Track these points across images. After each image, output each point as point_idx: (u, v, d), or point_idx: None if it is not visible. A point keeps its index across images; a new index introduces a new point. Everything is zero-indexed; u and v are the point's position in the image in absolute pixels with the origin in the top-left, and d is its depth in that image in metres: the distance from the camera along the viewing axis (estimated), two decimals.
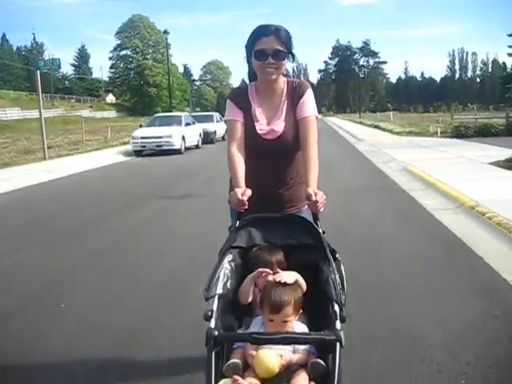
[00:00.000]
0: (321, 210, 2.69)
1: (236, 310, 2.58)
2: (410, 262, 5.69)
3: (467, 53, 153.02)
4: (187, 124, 24.99)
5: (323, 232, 2.70)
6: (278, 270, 2.57)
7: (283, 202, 3.08)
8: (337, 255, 2.58)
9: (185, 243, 6.95)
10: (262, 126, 2.99)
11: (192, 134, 25.22)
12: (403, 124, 39.29)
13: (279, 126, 2.98)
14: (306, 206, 3.05)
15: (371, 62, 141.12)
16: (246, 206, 2.68)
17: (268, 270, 2.51)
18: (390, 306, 4.46)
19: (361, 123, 53.00)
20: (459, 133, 25.16)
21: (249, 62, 3.05)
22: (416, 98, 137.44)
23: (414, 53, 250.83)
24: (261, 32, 2.94)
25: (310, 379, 2.18)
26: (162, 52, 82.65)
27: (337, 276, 2.46)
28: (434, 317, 4.20)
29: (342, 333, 2.17)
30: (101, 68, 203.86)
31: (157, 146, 22.72)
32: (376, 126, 40.98)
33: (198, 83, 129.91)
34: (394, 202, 9.53)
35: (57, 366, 3.72)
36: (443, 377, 3.33)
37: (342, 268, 2.54)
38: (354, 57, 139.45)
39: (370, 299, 4.56)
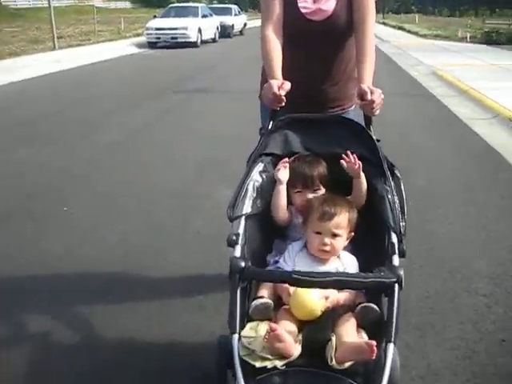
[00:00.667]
0: (376, 112, 2.17)
1: (266, 232, 2.12)
2: (446, 174, 5.20)
3: None
4: (204, 16, 23.76)
5: (378, 140, 2.18)
6: (320, 185, 2.09)
7: (327, 99, 2.52)
8: (396, 171, 2.08)
9: (201, 142, 6.49)
10: (306, 4, 2.38)
11: (209, 26, 24.04)
12: (429, 27, 37.26)
13: (329, 4, 2.37)
14: (354, 107, 2.52)
15: None
16: (283, 103, 2.15)
17: (286, 160, 2.11)
18: (425, 221, 4.02)
19: (384, 24, 50.54)
20: (490, 39, 23.71)
21: None
22: (441, 1, 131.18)
23: None
24: None
25: (359, 326, 1.75)
26: None
27: (395, 197, 1.97)
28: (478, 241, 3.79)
29: (402, 271, 1.71)
30: None
31: (172, 38, 21.70)
32: (400, 28, 39.01)
33: None
34: (424, 108, 8.89)
35: (53, 272, 3.37)
36: (491, 311, 2.93)
37: (402, 187, 2.04)
38: None
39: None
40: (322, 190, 2.12)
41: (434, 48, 21.14)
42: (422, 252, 3.52)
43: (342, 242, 1.93)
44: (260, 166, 2.15)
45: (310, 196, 2.09)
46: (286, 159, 2.10)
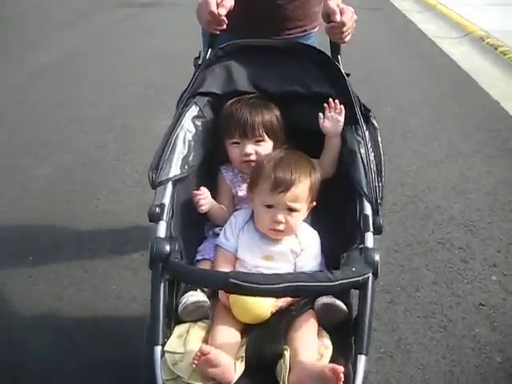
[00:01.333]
0: (347, 38, 1.65)
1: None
2: (415, 100, 4.73)
3: None
4: None
5: (347, 75, 1.67)
6: (265, 136, 1.60)
7: (283, 18, 1.95)
8: (372, 118, 1.59)
9: (147, 61, 5.80)
10: None
11: None
12: None
13: None
14: (318, 29, 1.99)
15: None
16: (224, 26, 1.61)
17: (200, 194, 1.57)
18: (392, 156, 3.59)
19: None
20: None
21: None
22: None
23: None
24: None
25: (320, 325, 1.33)
26: None
27: (370, 153, 1.51)
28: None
29: (378, 256, 1.28)
30: None
31: None
32: None
33: None
34: (388, 24, 8.25)
35: None
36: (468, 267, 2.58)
37: (379, 138, 1.56)
38: None
39: None
40: (269, 143, 1.64)
41: None
42: (390, 194, 3.09)
43: (300, 217, 1.47)
44: (193, 111, 1.63)
45: (250, 149, 1.61)
46: (204, 189, 1.57)
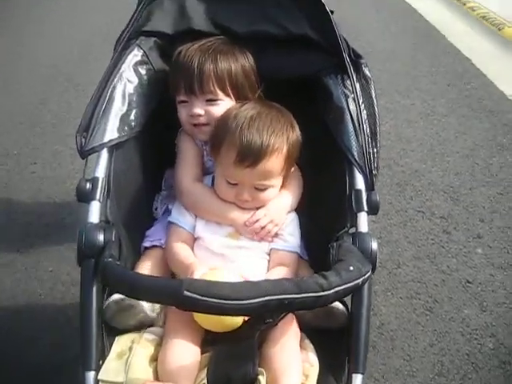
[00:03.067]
0: None
1: (148, 167, 1.30)
2: (385, 58, 4.41)
3: None
4: None
5: (331, 11, 1.33)
6: (219, 93, 1.27)
7: None
8: (363, 66, 1.26)
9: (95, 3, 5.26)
10: None
11: None
12: None
13: None
14: None
15: None
16: None
17: None
18: None
19: None
20: None
21: None
22: None
23: None
24: None
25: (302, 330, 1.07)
26: None
27: (362, 110, 1.19)
28: None
29: (375, 245, 0.98)
30: None
31: None
32: None
33: None
34: None
35: None
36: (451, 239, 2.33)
37: (373, 91, 1.24)
38: None
39: None
40: (226, 102, 1.29)
41: None
42: None
43: (272, 192, 1.16)
44: (136, 55, 1.28)
45: (198, 109, 1.27)
46: None
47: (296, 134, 1.19)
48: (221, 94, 1.28)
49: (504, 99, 3.74)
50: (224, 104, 1.28)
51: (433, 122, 3.32)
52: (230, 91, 1.29)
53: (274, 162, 1.12)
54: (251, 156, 1.10)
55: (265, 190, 1.15)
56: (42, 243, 2.21)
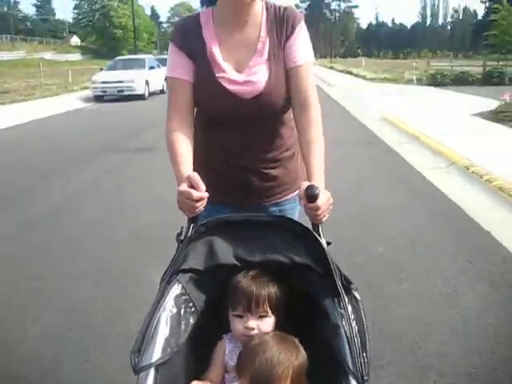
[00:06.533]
0: (323, 219, 1.68)
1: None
2: (406, 242, 4.74)
3: None
4: (151, 67, 23.47)
5: (328, 243, 1.69)
6: (269, 311, 1.60)
7: (273, 186, 2.03)
8: (353, 291, 1.58)
9: (137, 212, 5.86)
10: (229, 76, 1.86)
11: (156, 78, 23.58)
12: (376, 70, 38.05)
13: (259, 75, 1.86)
14: (297, 193, 2.05)
15: (342, 6, 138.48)
16: (203, 207, 1.67)
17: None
18: (378, 298, 3.53)
19: (332, 68, 51.59)
20: (436, 81, 24.24)
21: None
22: (386, 45, 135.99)
23: None
24: None
25: None
26: None
27: (353, 325, 1.48)
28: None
29: None
30: (65, 8, 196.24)
31: (118, 91, 21.22)
32: (348, 72, 39.72)
33: (165, 25, 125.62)
34: (377, 158, 8.53)
35: None
36: None
37: (362, 311, 1.54)
38: (326, 0, 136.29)
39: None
40: (271, 318, 1.61)
41: (382, 91, 21.28)
42: (388, 341, 3.02)
43: None
44: (176, 289, 1.62)
45: (253, 323, 1.58)
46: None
47: (300, 359, 1.47)
48: (269, 312, 1.59)
49: None
50: (270, 320, 1.60)
51: (454, 302, 3.52)
52: (274, 310, 1.60)
53: None
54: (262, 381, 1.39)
55: None
56: None
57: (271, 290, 1.62)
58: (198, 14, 1.96)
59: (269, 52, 1.88)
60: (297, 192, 2.06)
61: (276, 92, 1.86)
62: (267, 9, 1.93)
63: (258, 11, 1.91)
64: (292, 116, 1.96)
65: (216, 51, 1.88)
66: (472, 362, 2.86)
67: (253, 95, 1.85)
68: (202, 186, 1.63)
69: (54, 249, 4.78)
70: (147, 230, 5.12)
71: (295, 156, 2.07)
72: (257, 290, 1.61)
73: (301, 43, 1.90)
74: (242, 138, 1.92)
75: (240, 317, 1.62)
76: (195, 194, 1.62)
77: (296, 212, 2.11)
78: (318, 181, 1.74)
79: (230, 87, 1.85)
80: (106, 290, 3.88)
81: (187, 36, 1.91)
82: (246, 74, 1.87)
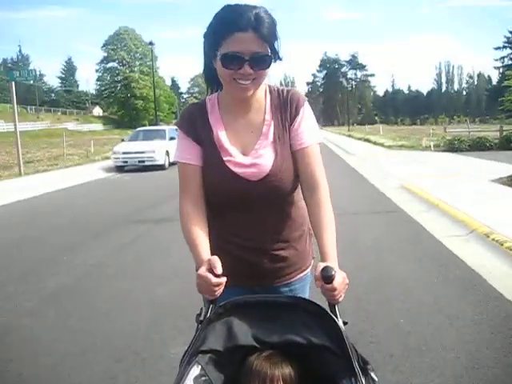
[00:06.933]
0: (340, 299, 1.71)
1: None
2: (428, 314, 4.68)
3: (453, 66, 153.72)
4: (171, 138, 23.93)
5: (345, 323, 1.72)
6: None
7: (283, 267, 2.07)
8: (369, 369, 1.59)
9: (160, 286, 5.84)
10: (235, 160, 1.95)
11: None
12: (394, 137, 38.54)
13: (265, 157, 1.94)
14: (310, 269, 2.11)
15: (359, 74, 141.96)
16: (221, 290, 1.72)
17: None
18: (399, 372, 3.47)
19: (350, 136, 52.27)
20: (453, 147, 24.40)
21: (206, 56, 1.98)
22: (403, 111, 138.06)
23: (402, 66, 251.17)
24: (233, 22, 1.80)
25: None
26: (149, 65, 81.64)
27: None
28: None
29: None
30: (87, 80, 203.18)
31: (139, 161, 21.64)
32: (366, 140, 40.18)
33: (185, 96, 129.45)
34: (395, 227, 8.52)
35: None
36: None
37: None
38: (342, 70, 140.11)
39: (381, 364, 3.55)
40: None
41: (400, 159, 21.44)
42: None
43: None
44: (196, 370, 1.64)
45: None
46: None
47: None
48: None
49: None
50: None
51: (478, 377, 3.45)
52: None
53: None
54: None
55: None
56: None
57: (285, 370, 1.64)
58: (204, 100, 2.07)
59: (274, 134, 1.96)
60: (306, 272, 2.13)
61: (283, 173, 1.94)
62: (271, 92, 2.03)
63: (262, 96, 2.01)
64: (300, 195, 2.03)
65: (222, 136, 1.97)
66: None
67: (260, 177, 1.92)
68: (219, 270, 1.68)
69: (73, 321, 4.80)
70: (170, 302, 5.13)
71: (304, 236, 2.12)
72: (270, 371, 1.63)
73: (306, 125, 1.98)
74: (251, 219, 1.99)
75: None
76: (214, 280, 1.68)
77: (307, 291, 2.15)
78: (333, 261, 1.78)
79: (237, 170, 1.93)
80: (127, 365, 3.87)
81: (194, 122, 2.02)
82: (252, 156, 1.95)
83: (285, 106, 1.99)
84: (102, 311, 5.04)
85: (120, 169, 21.81)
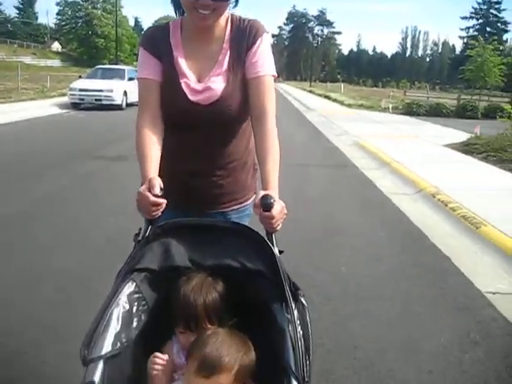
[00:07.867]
0: (277, 228, 1.75)
1: (133, 379, 1.62)
2: (368, 264, 4.83)
3: (420, 32, 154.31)
4: (130, 78, 23.40)
5: (281, 252, 1.75)
6: (207, 325, 1.64)
7: (219, 194, 2.11)
8: (301, 296, 1.64)
9: (111, 217, 5.86)
10: (190, 84, 1.97)
11: (135, 89, 23.30)
12: (354, 96, 38.69)
13: (217, 84, 1.97)
14: (254, 197, 2.13)
15: (325, 31, 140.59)
16: (162, 210, 1.72)
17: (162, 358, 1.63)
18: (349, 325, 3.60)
19: (311, 92, 52.21)
20: (411, 110, 24.72)
21: None
22: (366, 72, 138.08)
23: (369, 26, 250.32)
24: None
25: None
26: (112, 2, 78.75)
27: (298, 330, 1.54)
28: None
29: None
30: (47, 13, 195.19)
31: (96, 99, 21.12)
32: (327, 97, 40.24)
33: None
34: (347, 181, 8.69)
35: None
36: None
37: (308, 317, 1.60)
38: (309, 25, 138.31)
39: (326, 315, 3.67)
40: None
41: (358, 118, 21.68)
42: (342, 358, 3.08)
43: None
44: (130, 287, 1.67)
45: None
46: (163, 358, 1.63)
47: (249, 355, 1.53)
48: (208, 325, 1.63)
49: (479, 296, 4.08)
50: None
51: (408, 323, 3.61)
52: (215, 321, 1.64)
53: (224, 379, 1.45)
54: (207, 369, 1.43)
55: None
56: None
57: (209, 297, 1.65)
58: (168, 23, 2.08)
59: (229, 63, 1.98)
60: (244, 204, 2.16)
61: (232, 100, 1.97)
62: (232, 21, 2.04)
63: (223, 25, 2.02)
64: (250, 129, 2.06)
65: (181, 58, 2.00)
66: (422, 381, 2.94)
67: (209, 101, 1.95)
68: (157, 190, 1.69)
69: (21, 250, 4.76)
70: (120, 237, 5.11)
71: (246, 168, 2.16)
72: (194, 297, 1.64)
73: (262, 55, 1.99)
74: (196, 142, 2.03)
75: (182, 332, 1.67)
76: (151, 198, 1.68)
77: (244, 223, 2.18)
78: (273, 190, 1.81)
79: (190, 93, 1.96)
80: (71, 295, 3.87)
81: (155, 40, 2.03)
82: (204, 83, 1.98)
83: (243, 35, 2.00)
84: (47, 246, 5.01)
85: (76, 106, 21.21)
